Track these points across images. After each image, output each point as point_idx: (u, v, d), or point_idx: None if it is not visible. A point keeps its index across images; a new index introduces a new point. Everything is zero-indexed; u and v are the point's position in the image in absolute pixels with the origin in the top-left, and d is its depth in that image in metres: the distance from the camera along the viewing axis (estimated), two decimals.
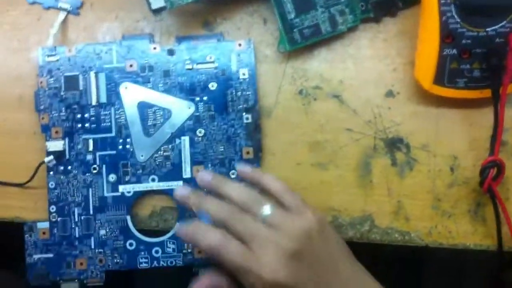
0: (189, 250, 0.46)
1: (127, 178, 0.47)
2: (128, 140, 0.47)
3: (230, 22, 0.48)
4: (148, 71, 0.47)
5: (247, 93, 0.47)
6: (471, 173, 0.46)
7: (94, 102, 0.47)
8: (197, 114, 0.47)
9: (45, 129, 0.47)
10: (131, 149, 0.47)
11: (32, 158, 0.47)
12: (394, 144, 0.47)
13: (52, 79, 0.47)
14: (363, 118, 0.47)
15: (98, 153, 0.47)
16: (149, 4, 0.45)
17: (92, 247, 0.46)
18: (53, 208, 0.47)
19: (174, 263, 0.46)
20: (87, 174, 0.47)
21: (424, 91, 0.45)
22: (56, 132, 0.47)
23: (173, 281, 0.53)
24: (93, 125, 0.47)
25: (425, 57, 0.44)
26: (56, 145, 0.47)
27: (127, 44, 0.47)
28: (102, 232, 0.47)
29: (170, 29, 0.49)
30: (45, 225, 0.47)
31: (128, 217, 0.47)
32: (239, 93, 0.47)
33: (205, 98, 0.47)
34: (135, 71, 0.47)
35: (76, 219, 0.47)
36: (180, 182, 0.47)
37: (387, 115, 0.47)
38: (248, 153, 0.47)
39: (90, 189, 0.47)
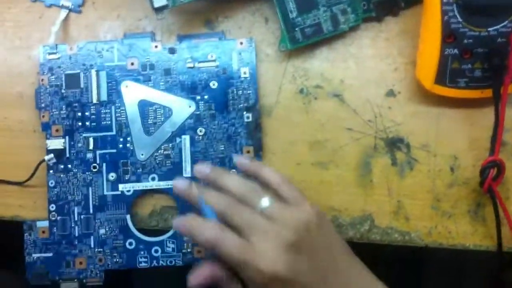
0: (188, 250, 0.46)
1: (127, 177, 0.47)
2: (129, 138, 0.47)
3: (231, 20, 0.48)
4: (149, 70, 0.47)
5: (248, 92, 0.47)
6: (471, 173, 0.46)
7: (94, 100, 0.47)
8: (198, 112, 0.47)
9: (46, 127, 0.47)
10: (132, 148, 0.47)
11: (32, 156, 0.47)
12: (395, 143, 0.47)
13: (53, 77, 0.47)
14: (364, 117, 0.47)
15: (98, 152, 0.47)
16: (151, 2, 0.45)
17: (92, 246, 0.46)
18: (52, 207, 0.47)
19: (173, 262, 0.46)
20: (87, 173, 0.47)
21: (425, 91, 0.45)
22: (57, 130, 0.47)
23: (172, 281, 0.53)
24: (94, 124, 0.47)
25: (426, 56, 0.44)
26: (57, 143, 0.46)
27: (128, 42, 0.47)
28: (102, 231, 0.46)
29: (172, 27, 0.49)
30: (44, 224, 0.47)
31: (128, 216, 0.46)
32: (240, 92, 0.47)
33: (206, 96, 0.47)
34: (136, 70, 0.47)
35: (76, 218, 0.46)
36: None
37: (387, 114, 0.47)
38: (248, 152, 0.46)
39: (90, 188, 0.47)
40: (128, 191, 0.47)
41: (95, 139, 0.47)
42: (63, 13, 0.49)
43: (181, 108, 0.47)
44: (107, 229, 0.46)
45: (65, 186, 0.47)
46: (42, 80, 0.47)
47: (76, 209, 0.46)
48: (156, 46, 0.47)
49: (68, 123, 0.47)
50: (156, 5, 0.45)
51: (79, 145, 0.47)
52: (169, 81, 0.47)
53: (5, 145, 0.48)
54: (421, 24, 0.45)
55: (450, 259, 0.55)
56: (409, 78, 0.47)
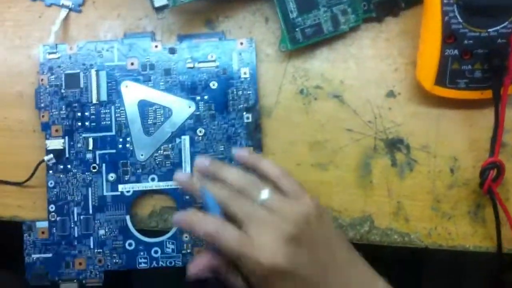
0: (188, 251, 0.46)
1: (126, 177, 0.47)
2: (128, 139, 0.47)
3: (232, 20, 0.48)
4: (149, 70, 0.47)
5: (248, 92, 0.47)
6: (471, 174, 0.46)
7: (94, 100, 0.47)
8: (198, 113, 0.47)
9: (45, 127, 0.47)
10: (131, 148, 0.47)
11: (32, 156, 0.47)
12: (394, 144, 0.47)
13: (52, 76, 0.47)
14: (364, 118, 0.47)
15: (98, 152, 0.47)
16: (151, 1, 0.45)
17: (91, 247, 0.46)
18: (52, 207, 0.46)
19: (173, 263, 0.46)
20: (86, 173, 0.47)
21: (425, 92, 0.45)
22: (56, 130, 0.47)
23: (172, 282, 0.53)
24: (93, 124, 0.47)
25: (426, 57, 0.44)
26: (56, 143, 0.46)
27: (128, 42, 0.47)
28: (101, 232, 0.46)
29: (172, 27, 0.48)
30: (44, 224, 0.46)
31: (128, 217, 0.46)
32: (240, 92, 0.47)
33: (205, 97, 0.47)
34: (136, 70, 0.47)
35: (75, 219, 0.46)
36: None
37: (387, 115, 0.47)
38: None
39: (90, 188, 0.46)
40: (128, 191, 0.46)
41: (94, 139, 0.47)
42: (63, 12, 0.49)
43: (181, 108, 0.47)
44: (106, 230, 0.46)
45: (65, 186, 0.46)
46: (42, 79, 0.47)
47: (75, 210, 0.46)
48: (156, 46, 0.47)
49: (67, 123, 0.47)
50: (157, 4, 0.45)
51: (79, 145, 0.47)
52: (169, 81, 0.47)
53: (4, 145, 0.48)
54: (421, 24, 0.45)
55: (450, 260, 0.55)
56: (409, 78, 0.47)
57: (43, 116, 0.47)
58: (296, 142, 0.47)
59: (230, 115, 0.47)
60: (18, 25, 0.49)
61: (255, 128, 0.47)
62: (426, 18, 0.44)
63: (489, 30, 0.42)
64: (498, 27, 0.42)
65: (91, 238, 0.46)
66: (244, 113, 0.47)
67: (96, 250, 0.46)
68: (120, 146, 0.47)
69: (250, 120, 0.47)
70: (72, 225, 0.46)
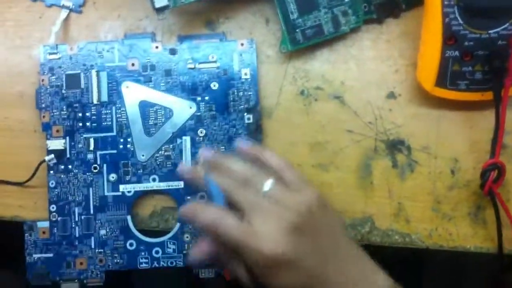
0: (189, 251, 0.46)
1: (127, 178, 0.47)
2: (129, 139, 0.47)
3: (232, 21, 0.48)
4: (149, 70, 0.47)
5: (249, 93, 0.47)
6: (471, 176, 0.46)
7: (95, 101, 0.47)
8: (199, 114, 0.47)
9: (46, 127, 0.47)
10: (132, 149, 0.47)
11: (33, 157, 0.47)
12: (395, 146, 0.47)
13: (53, 77, 0.47)
14: (364, 119, 0.47)
15: (98, 152, 0.47)
16: (152, 2, 0.45)
17: (92, 247, 0.46)
18: (53, 207, 0.46)
19: (174, 263, 0.46)
20: (87, 173, 0.47)
21: (426, 93, 0.45)
22: (57, 130, 0.47)
23: (173, 282, 0.53)
24: (94, 124, 0.47)
25: (427, 58, 0.44)
26: (57, 143, 0.46)
27: (129, 42, 0.47)
28: (102, 232, 0.46)
29: (172, 28, 0.48)
30: (45, 224, 0.46)
31: (129, 217, 0.46)
32: (240, 93, 0.47)
33: (206, 98, 0.47)
34: (137, 70, 0.47)
35: (77, 219, 0.46)
36: (181, 182, 0.46)
37: (388, 116, 0.47)
38: None
39: (91, 189, 0.47)
40: (129, 192, 0.47)
41: (95, 139, 0.47)
42: (64, 13, 0.49)
43: (182, 109, 0.47)
44: (107, 230, 0.46)
45: (66, 186, 0.47)
46: (43, 80, 0.47)
47: (76, 210, 0.46)
48: (156, 47, 0.47)
49: (68, 123, 0.47)
50: (157, 5, 0.45)
51: (80, 145, 0.47)
52: (170, 82, 0.47)
53: (5, 145, 0.48)
54: (422, 26, 0.45)
55: (451, 261, 0.55)
56: (410, 80, 0.47)
57: (44, 116, 0.47)
58: (296, 143, 0.47)
59: (231, 116, 0.47)
60: (18, 25, 0.49)
61: (256, 129, 0.47)
62: (427, 20, 0.44)
63: (490, 31, 0.42)
64: (498, 29, 0.42)
65: (92, 238, 0.46)
66: (245, 114, 0.47)
67: (97, 250, 0.46)
68: (121, 146, 0.47)
69: (251, 121, 0.47)
70: (73, 225, 0.46)
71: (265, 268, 0.36)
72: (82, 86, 0.47)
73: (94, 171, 0.47)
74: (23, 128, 0.48)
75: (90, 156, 0.47)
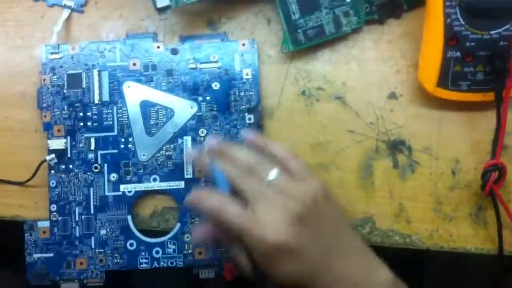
0: (189, 251, 0.46)
1: (128, 178, 0.47)
2: (130, 139, 0.47)
3: (234, 21, 0.48)
4: (151, 70, 0.47)
5: (250, 93, 0.47)
6: (472, 177, 0.46)
7: (96, 101, 0.47)
8: (200, 113, 0.47)
9: (47, 127, 0.47)
10: (133, 148, 0.47)
11: (33, 156, 0.47)
12: (396, 146, 0.47)
13: (55, 76, 0.47)
14: (366, 120, 0.47)
15: (99, 152, 0.47)
16: (154, 2, 0.45)
17: (93, 246, 0.46)
18: (53, 207, 0.46)
19: (174, 264, 0.46)
20: (88, 173, 0.47)
21: (427, 94, 0.45)
22: (58, 130, 0.47)
23: (173, 282, 0.53)
24: (95, 124, 0.47)
25: (429, 59, 0.44)
26: (58, 143, 0.46)
27: (130, 42, 0.47)
28: (103, 231, 0.46)
29: (174, 28, 0.49)
30: (45, 224, 0.46)
31: (129, 217, 0.46)
32: (242, 93, 0.47)
33: (208, 98, 0.47)
34: (138, 70, 0.47)
35: (77, 219, 0.46)
36: (182, 182, 0.46)
37: (389, 117, 0.47)
38: None
39: (91, 188, 0.46)
40: (130, 191, 0.46)
41: (96, 139, 0.47)
42: (65, 12, 0.49)
43: (183, 109, 0.47)
44: (108, 230, 0.46)
45: (66, 186, 0.46)
46: (44, 79, 0.47)
47: (77, 210, 0.46)
48: (158, 47, 0.47)
49: (69, 123, 0.47)
50: (159, 5, 0.45)
51: (81, 145, 0.47)
52: (171, 82, 0.47)
53: (6, 144, 0.48)
54: (423, 26, 0.45)
55: (451, 262, 0.55)
56: (411, 80, 0.47)
57: (45, 116, 0.47)
58: (298, 143, 0.47)
59: (232, 116, 0.47)
60: (20, 25, 0.49)
61: (257, 129, 0.47)
62: (429, 20, 0.44)
63: (491, 32, 0.42)
64: (500, 30, 0.42)
65: (93, 238, 0.46)
66: (246, 114, 0.47)
67: (97, 250, 0.46)
68: (122, 146, 0.47)
69: (252, 121, 0.47)
70: (74, 225, 0.46)
71: (267, 256, 0.36)
72: (84, 85, 0.47)
73: (95, 170, 0.46)
74: (24, 128, 0.48)
75: (91, 155, 0.47)
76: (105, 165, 0.47)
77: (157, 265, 0.46)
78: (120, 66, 0.47)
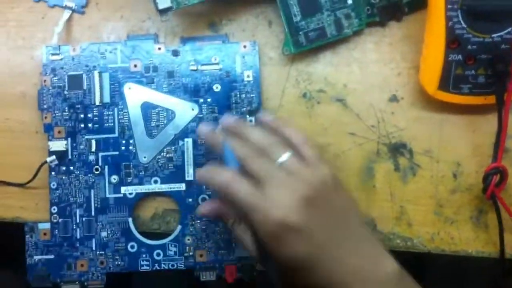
0: (190, 254, 0.46)
1: (129, 180, 0.46)
2: (131, 141, 0.47)
3: (235, 23, 0.48)
4: (152, 72, 0.47)
5: (251, 95, 0.47)
6: (474, 180, 0.46)
7: (97, 102, 0.47)
8: (201, 115, 0.47)
9: (48, 128, 0.47)
10: (134, 150, 0.47)
11: (34, 158, 0.47)
12: (397, 149, 0.47)
13: (55, 78, 0.47)
14: (367, 122, 0.47)
15: (100, 154, 0.47)
16: (155, 4, 0.44)
17: (93, 248, 0.46)
18: (54, 209, 0.46)
19: (175, 266, 0.46)
20: (89, 175, 0.46)
21: (428, 97, 0.45)
22: (59, 131, 0.47)
23: (174, 284, 0.53)
24: (96, 126, 0.47)
25: (430, 62, 0.44)
26: (59, 145, 0.46)
27: (131, 44, 0.47)
28: (104, 233, 0.46)
29: (175, 29, 0.48)
30: (46, 226, 0.46)
31: (130, 219, 0.46)
32: (243, 95, 0.47)
33: (209, 99, 0.47)
34: (139, 72, 0.47)
35: (78, 220, 0.46)
36: (183, 184, 0.46)
37: (390, 120, 0.47)
38: None
39: (92, 190, 0.46)
40: (130, 193, 0.46)
41: (97, 141, 0.47)
42: (66, 13, 0.48)
43: (184, 111, 0.47)
44: (109, 232, 0.46)
45: (67, 188, 0.46)
46: (45, 81, 0.47)
47: (78, 212, 0.46)
48: (159, 48, 0.47)
49: (70, 124, 0.47)
50: (161, 7, 0.45)
51: (82, 147, 0.47)
52: (172, 84, 0.47)
53: (6, 146, 0.48)
54: (424, 29, 0.45)
55: (452, 265, 0.55)
56: (412, 83, 0.47)
57: (45, 117, 0.47)
58: None
59: None
60: (21, 26, 0.49)
61: None
62: (430, 23, 0.44)
63: (493, 35, 0.42)
64: (502, 33, 0.42)
65: (93, 240, 0.46)
66: (247, 116, 0.47)
67: (98, 252, 0.46)
68: (123, 148, 0.47)
69: (253, 123, 0.47)
70: (74, 227, 0.46)
71: (273, 235, 0.36)
72: (85, 87, 0.47)
73: (96, 172, 0.46)
74: (25, 129, 0.48)
75: (91, 157, 0.46)
76: (106, 167, 0.46)
77: (158, 268, 0.46)
78: (121, 67, 0.47)
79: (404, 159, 0.47)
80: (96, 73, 0.47)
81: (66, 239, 0.46)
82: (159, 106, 0.47)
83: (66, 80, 0.47)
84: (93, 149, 0.46)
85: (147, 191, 0.46)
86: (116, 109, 0.47)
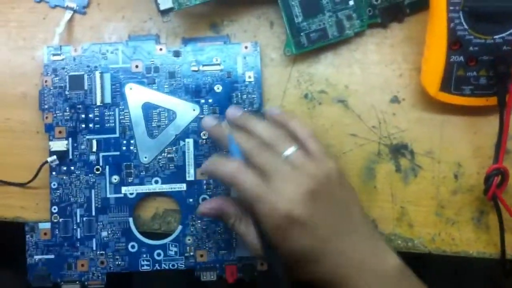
0: (191, 254, 0.46)
1: (130, 180, 0.46)
2: (132, 141, 0.47)
3: (237, 24, 0.48)
4: (153, 72, 0.47)
5: (252, 96, 0.47)
6: (475, 181, 0.46)
7: (98, 102, 0.47)
8: (202, 116, 0.47)
9: (49, 128, 0.47)
10: (135, 151, 0.47)
11: (35, 158, 0.47)
12: (399, 150, 0.47)
13: (57, 78, 0.47)
14: (368, 123, 0.47)
15: (101, 154, 0.47)
16: (157, 5, 0.44)
17: (94, 248, 0.46)
18: (55, 209, 0.46)
19: (176, 266, 0.46)
20: (90, 175, 0.46)
21: (429, 98, 0.45)
22: (60, 132, 0.47)
23: (174, 285, 0.53)
24: (97, 126, 0.47)
25: (432, 63, 0.44)
26: (60, 145, 0.46)
27: (133, 44, 0.47)
28: (104, 233, 0.46)
29: (177, 30, 0.48)
30: (46, 225, 0.46)
31: (131, 219, 0.46)
32: (244, 96, 0.47)
33: (210, 100, 0.47)
34: (141, 72, 0.47)
35: (78, 220, 0.46)
36: (184, 185, 0.46)
37: (391, 121, 0.47)
38: None
39: (93, 190, 0.46)
40: (131, 194, 0.46)
41: (98, 141, 0.47)
42: (68, 14, 0.48)
43: (185, 111, 0.47)
44: (109, 232, 0.46)
45: (68, 188, 0.46)
46: (46, 81, 0.47)
47: (78, 211, 0.46)
48: (160, 49, 0.47)
49: (71, 124, 0.47)
50: (162, 7, 0.45)
51: (82, 147, 0.47)
52: (174, 84, 0.47)
53: (7, 146, 0.48)
54: (426, 30, 0.45)
55: (453, 265, 0.55)
56: (414, 84, 0.47)
57: (46, 117, 0.47)
58: None
59: None
60: (22, 26, 0.49)
61: None
62: (432, 24, 0.44)
63: (495, 37, 0.42)
64: (504, 34, 0.42)
65: (94, 240, 0.46)
66: None
67: (98, 252, 0.46)
68: (124, 148, 0.47)
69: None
70: (75, 227, 0.46)
71: (278, 227, 0.36)
72: (86, 87, 0.47)
73: (97, 172, 0.46)
74: (25, 129, 0.48)
75: (92, 157, 0.46)
76: (107, 167, 0.46)
77: (158, 268, 0.46)
78: (122, 68, 0.47)
79: (405, 160, 0.47)
80: (97, 74, 0.47)
81: (67, 239, 0.46)
82: (160, 106, 0.47)
83: (67, 80, 0.47)
84: (94, 149, 0.46)
85: (147, 191, 0.46)
86: (117, 110, 0.47)
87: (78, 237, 0.46)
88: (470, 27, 0.42)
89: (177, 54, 0.47)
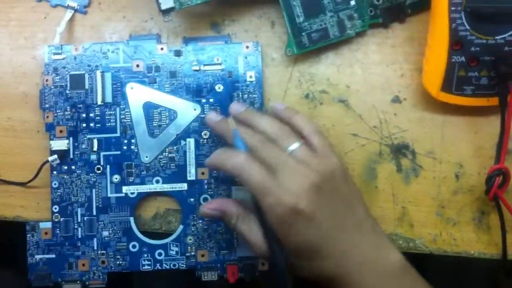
0: (192, 253, 0.46)
1: (131, 179, 0.46)
2: (133, 140, 0.47)
3: (238, 24, 0.48)
4: (154, 72, 0.47)
5: (254, 95, 0.47)
6: (476, 181, 0.46)
7: (99, 102, 0.47)
8: (203, 116, 0.47)
9: (50, 128, 0.46)
10: (136, 150, 0.47)
11: (36, 157, 0.47)
12: (400, 150, 0.47)
13: (57, 77, 0.47)
14: (369, 123, 0.47)
15: (102, 153, 0.46)
16: (158, 4, 0.44)
17: (95, 248, 0.46)
18: (56, 208, 0.46)
19: (177, 266, 0.46)
20: (90, 174, 0.46)
21: (431, 98, 0.45)
22: (61, 131, 0.46)
23: (175, 284, 0.53)
24: (98, 125, 0.47)
25: (433, 63, 0.44)
26: (60, 144, 0.46)
27: (134, 44, 0.47)
28: (105, 233, 0.46)
29: (178, 29, 0.48)
30: (47, 225, 0.46)
31: (131, 219, 0.46)
32: (245, 96, 0.47)
33: (211, 100, 0.47)
34: (142, 72, 0.47)
35: (79, 220, 0.46)
36: (185, 184, 0.46)
37: (393, 121, 0.47)
38: None
39: (94, 190, 0.46)
40: (132, 193, 0.46)
41: (99, 140, 0.47)
42: (69, 13, 0.48)
43: (186, 111, 0.47)
44: (110, 231, 0.46)
45: (69, 187, 0.46)
46: (47, 80, 0.47)
47: (79, 211, 0.46)
48: (162, 48, 0.47)
49: (72, 124, 0.47)
50: (163, 7, 0.45)
51: (83, 146, 0.46)
52: (175, 84, 0.47)
53: (8, 145, 0.48)
54: (427, 31, 0.45)
55: (454, 265, 0.55)
56: (415, 84, 0.47)
57: (47, 116, 0.47)
58: None
59: None
60: (23, 26, 0.49)
61: None
62: (434, 25, 0.44)
63: (496, 37, 0.42)
64: (505, 35, 0.42)
65: (95, 240, 0.46)
66: None
67: (99, 252, 0.46)
68: (125, 147, 0.46)
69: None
70: (76, 226, 0.46)
71: (284, 220, 0.37)
72: (87, 86, 0.47)
73: (97, 172, 0.46)
74: (26, 129, 0.48)
75: (93, 157, 0.46)
76: (108, 166, 0.46)
77: (159, 267, 0.46)
78: (123, 67, 0.47)
79: (406, 160, 0.47)
80: (98, 73, 0.47)
81: (68, 239, 0.46)
82: (161, 106, 0.47)
83: (68, 79, 0.47)
84: (95, 148, 0.46)
85: (148, 190, 0.46)
86: (118, 109, 0.47)
87: (79, 236, 0.46)
88: (471, 27, 0.42)
89: (178, 53, 0.47)
